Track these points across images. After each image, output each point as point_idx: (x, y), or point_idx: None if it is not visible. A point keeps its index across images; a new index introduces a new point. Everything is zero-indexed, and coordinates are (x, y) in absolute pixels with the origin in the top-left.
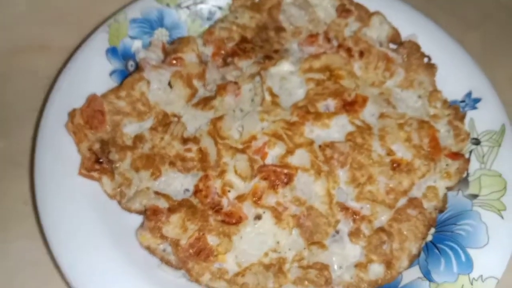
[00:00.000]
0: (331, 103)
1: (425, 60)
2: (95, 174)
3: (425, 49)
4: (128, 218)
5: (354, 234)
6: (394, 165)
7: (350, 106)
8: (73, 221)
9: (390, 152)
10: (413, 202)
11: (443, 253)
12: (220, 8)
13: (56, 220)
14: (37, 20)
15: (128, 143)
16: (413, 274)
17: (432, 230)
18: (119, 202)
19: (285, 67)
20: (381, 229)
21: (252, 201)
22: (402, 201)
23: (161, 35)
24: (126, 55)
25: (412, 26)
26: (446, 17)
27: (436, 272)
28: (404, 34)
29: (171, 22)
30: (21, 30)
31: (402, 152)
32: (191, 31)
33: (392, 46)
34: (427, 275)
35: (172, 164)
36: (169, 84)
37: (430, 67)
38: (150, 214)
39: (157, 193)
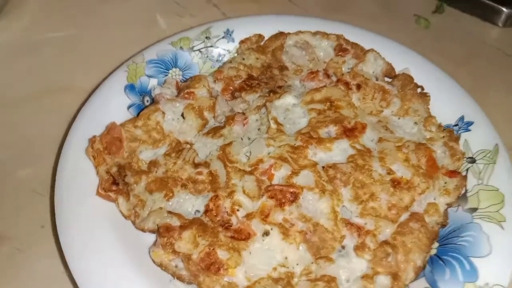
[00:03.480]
0: (332, 129)
1: (419, 90)
2: (112, 194)
3: (417, 81)
4: (142, 237)
5: (360, 248)
6: (395, 183)
7: (351, 132)
8: (89, 239)
9: (390, 172)
10: (415, 216)
11: (447, 263)
12: (228, 51)
13: (73, 237)
14: (63, 65)
15: (143, 168)
16: (420, 285)
17: (436, 245)
18: (133, 222)
19: (288, 99)
20: (386, 242)
21: (260, 218)
22: (405, 216)
23: (175, 75)
24: (143, 91)
25: (404, 61)
26: (434, 56)
27: (442, 281)
28: (398, 69)
29: (184, 63)
30: (48, 74)
31: (402, 171)
32: (202, 71)
33: (387, 79)
34: (433, 285)
35: (184, 186)
36: (182, 115)
37: (424, 96)
38: (163, 231)
39: (169, 212)
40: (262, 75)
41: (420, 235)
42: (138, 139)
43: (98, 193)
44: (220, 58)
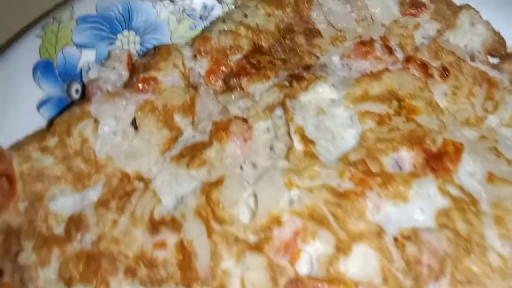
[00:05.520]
0: (407, 156)
1: None
2: None
3: None
4: None
5: None
6: None
7: (437, 161)
8: None
9: None
10: None
11: None
12: (220, 1)
13: None
14: None
15: (57, 232)
16: None
17: None
18: None
19: (323, 92)
20: None
21: None
22: None
23: (127, 42)
24: (69, 75)
25: None
26: None
27: None
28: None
29: (144, 21)
30: None
31: None
32: (176, 36)
33: (492, 60)
34: None
35: (130, 272)
36: (134, 123)
37: None
38: None
39: None
40: (277, 46)
41: None
42: (48, 176)
43: None
44: (206, 13)
